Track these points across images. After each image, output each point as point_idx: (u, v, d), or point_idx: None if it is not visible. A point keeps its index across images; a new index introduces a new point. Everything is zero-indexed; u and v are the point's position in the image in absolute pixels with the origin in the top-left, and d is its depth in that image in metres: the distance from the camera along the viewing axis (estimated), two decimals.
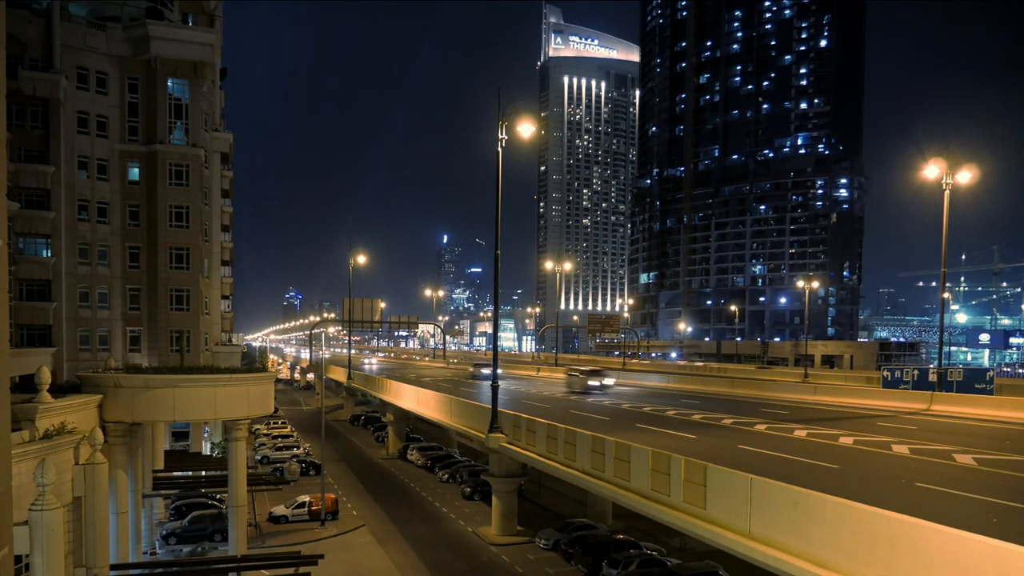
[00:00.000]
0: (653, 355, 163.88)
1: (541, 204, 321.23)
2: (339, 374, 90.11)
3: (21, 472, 18.44)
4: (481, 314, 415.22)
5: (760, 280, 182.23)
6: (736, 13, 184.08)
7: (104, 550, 22.34)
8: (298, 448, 64.20)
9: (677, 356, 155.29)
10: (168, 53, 45.42)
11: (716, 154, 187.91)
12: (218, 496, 41.44)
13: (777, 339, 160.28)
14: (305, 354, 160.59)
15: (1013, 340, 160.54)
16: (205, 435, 54.56)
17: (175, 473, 42.40)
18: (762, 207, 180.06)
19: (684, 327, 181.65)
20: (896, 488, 19.76)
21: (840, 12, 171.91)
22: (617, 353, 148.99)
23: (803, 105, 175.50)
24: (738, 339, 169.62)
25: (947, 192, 40.35)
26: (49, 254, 42.26)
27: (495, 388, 34.63)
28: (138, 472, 32.88)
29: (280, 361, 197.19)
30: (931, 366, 57.46)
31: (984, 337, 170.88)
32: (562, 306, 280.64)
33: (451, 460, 58.98)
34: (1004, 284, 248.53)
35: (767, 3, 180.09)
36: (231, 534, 30.92)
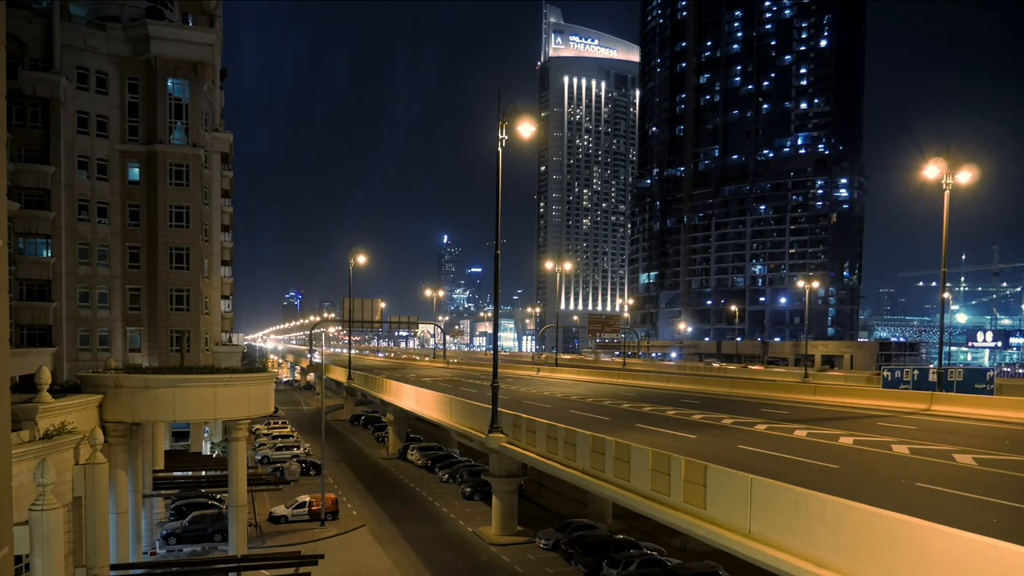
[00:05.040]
0: (653, 355, 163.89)
1: (541, 204, 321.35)
2: (339, 374, 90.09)
3: (21, 472, 18.42)
4: (481, 314, 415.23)
5: (760, 280, 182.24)
6: (736, 13, 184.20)
7: (104, 550, 22.34)
8: (298, 448, 64.14)
9: (677, 356, 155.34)
10: (168, 53, 45.44)
11: (716, 154, 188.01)
12: (218, 496, 41.39)
13: (777, 339, 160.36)
14: (306, 354, 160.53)
15: (1013, 340, 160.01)
16: (205, 435, 54.54)
17: (175, 473, 42.40)
18: (762, 207, 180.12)
19: (684, 327, 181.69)
20: (896, 488, 19.76)
21: (840, 12, 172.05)
22: (617, 353, 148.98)
23: (803, 105, 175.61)
24: (738, 339, 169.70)
25: (947, 192, 40.38)
26: (49, 254, 42.29)
27: (495, 388, 34.63)
28: (138, 472, 32.88)
29: (280, 361, 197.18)
30: (931, 366, 57.44)
31: (981, 336, 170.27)
32: (562, 306, 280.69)
33: (451, 460, 58.93)
34: (1004, 284, 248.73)
35: (767, 3, 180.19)
36: (231, 534, 30.92)
